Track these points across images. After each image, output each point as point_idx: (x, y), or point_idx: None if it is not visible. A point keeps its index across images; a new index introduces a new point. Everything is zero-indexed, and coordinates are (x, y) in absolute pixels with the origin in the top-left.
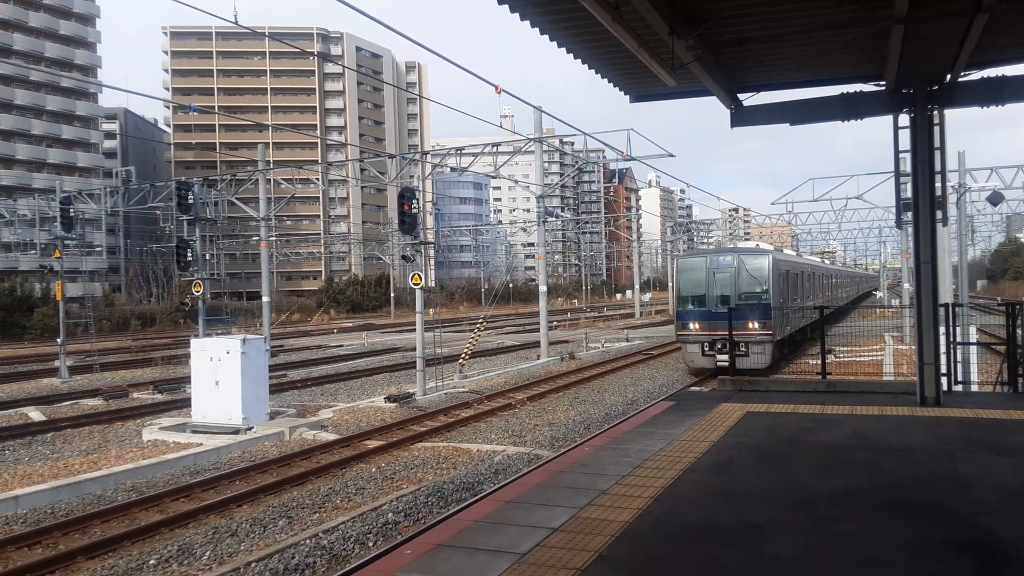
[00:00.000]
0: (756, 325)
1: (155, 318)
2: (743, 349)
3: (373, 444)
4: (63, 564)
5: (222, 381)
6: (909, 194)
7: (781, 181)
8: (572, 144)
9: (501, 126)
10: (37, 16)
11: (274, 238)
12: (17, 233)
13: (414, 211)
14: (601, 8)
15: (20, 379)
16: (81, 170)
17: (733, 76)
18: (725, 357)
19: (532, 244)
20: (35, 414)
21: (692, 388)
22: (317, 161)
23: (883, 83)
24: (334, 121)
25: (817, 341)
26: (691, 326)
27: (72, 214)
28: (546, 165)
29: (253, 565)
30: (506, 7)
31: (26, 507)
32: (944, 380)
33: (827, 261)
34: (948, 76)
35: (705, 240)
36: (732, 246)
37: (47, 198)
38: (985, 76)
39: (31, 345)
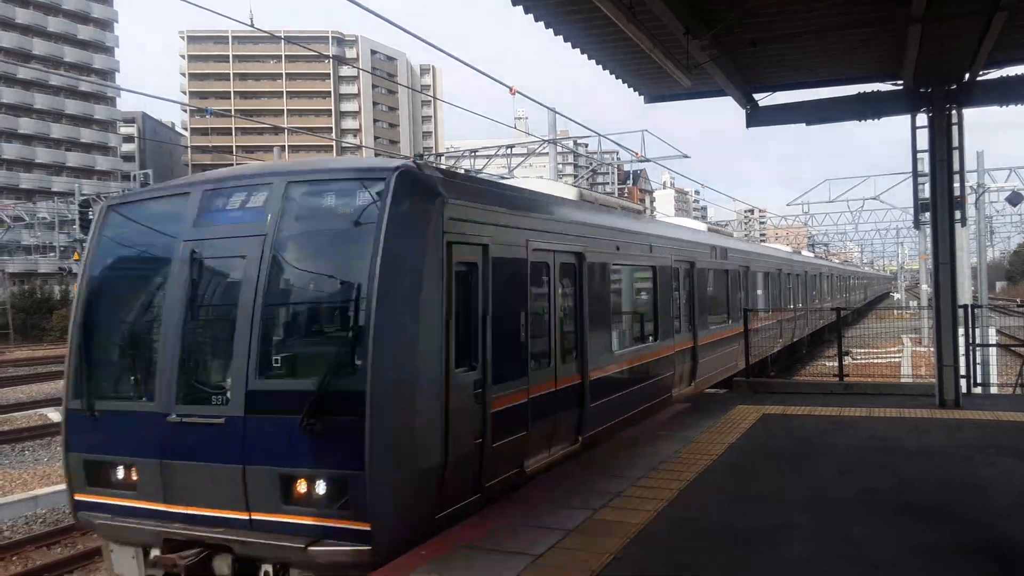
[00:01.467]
0: (321, 493)
1: None
2: None
3: None
4: (82, 564)
5: None
6: (927, 194)
7: (797, 182)
8: (586, 146)
9: (515, 128)
10: (56, 21)
11: None
12: (37, 236)
13: None
14: (616, 8)
15: (39, 380)
16: (100, 173)
17: (748, 76)
18: None
19: None
20: (54, 415)
21: (707, 390)
22: None
23: (900, 82)
24: (349, 123)
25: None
26: (110, 475)
27: (91, 217)
28: (560, 167)
29: None
30: (520, 8)
31: (45, 507)
32: (963, 382)
33: (808, 253)
34: (966, 75)
35: None
36: (273, 162)
37: (66, 201)
38: (1004, 75)
39: (50, 347)
